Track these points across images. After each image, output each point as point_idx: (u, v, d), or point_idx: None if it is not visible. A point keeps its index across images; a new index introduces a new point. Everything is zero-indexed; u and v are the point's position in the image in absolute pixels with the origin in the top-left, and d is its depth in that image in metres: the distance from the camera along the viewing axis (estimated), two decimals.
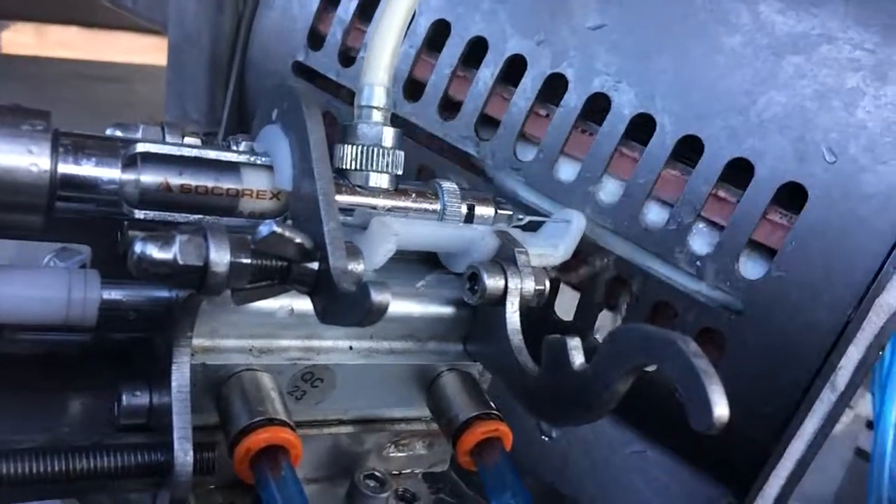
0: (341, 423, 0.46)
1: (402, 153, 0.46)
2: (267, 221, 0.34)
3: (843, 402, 0.45)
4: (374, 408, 0.46)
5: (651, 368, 0.37)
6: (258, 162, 0.41)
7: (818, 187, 0.45)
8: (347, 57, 0.62)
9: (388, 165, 0.45)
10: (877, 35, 0.46)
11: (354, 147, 0.44)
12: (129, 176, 0.38)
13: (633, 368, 0.36)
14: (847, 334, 0.44)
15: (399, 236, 0.44)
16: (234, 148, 0.45)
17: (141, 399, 0.41)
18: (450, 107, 0.58)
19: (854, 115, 0.45)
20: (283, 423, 0.37)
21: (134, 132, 0.42)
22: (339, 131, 0.46)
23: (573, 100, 0.53)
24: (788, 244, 0.46)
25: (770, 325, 0.47)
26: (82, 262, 0.52)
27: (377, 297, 0.31)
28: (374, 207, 0.45)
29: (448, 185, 0.47)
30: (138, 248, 0.33)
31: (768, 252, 0.47)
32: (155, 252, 0.33)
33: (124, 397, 0.40)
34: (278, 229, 0.34)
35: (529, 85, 0.54)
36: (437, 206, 0.47)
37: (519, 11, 0.55)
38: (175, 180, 0.38)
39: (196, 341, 0.39)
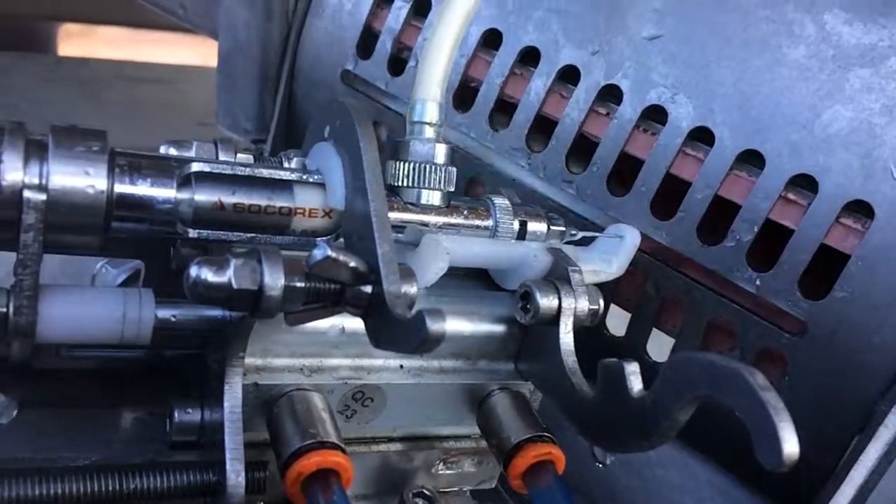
0: (390, 440, 0.46)
1: (455, 170, 0.45)
2: (321, 244, 0.33)
3: None
4: (423, 426, 0.46)
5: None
6: (310, 180, 0.41)
7: (886, 206, 0.43)
8: (397, 66, 0.62)
9: (439, 182, 0.44)
10: None
11: (406, 164, 0.44)
12: (184, 195, 0.37)
13: (695, 398, 0.35)
14: None
15: (451, 254, 0.43)
16: (286, 164, 0.44)
17: (193, 416, 0.41)
18: (500, 117, 0.57)
19: None
20: (334, 446, 0.37)
21: (187, 149, 0.42)
22: (391, 147, 0.45)
23: (628, 112, 0.51)
24: (854, 264, 0.44)
25: (833, 347, 0.45)
26: (135, 269, 0.52)
27: (433, 326, 0.31)
28: (426, 224, 0.44)
29: (500, 202, 0.46)
30: (193, 271, 0.33)
31: (832, 272, 0.46)
32: (210, 276, 0.33)
33: (176, 414, 0.40)
34: (332, 254, 0.33)
35: (582, 96, 0.53)
36: (490, 223, 0.46)
37: (572, 21, 0.54)
38: (228, 199, 0.38)
39: (248, 360, 0.39)
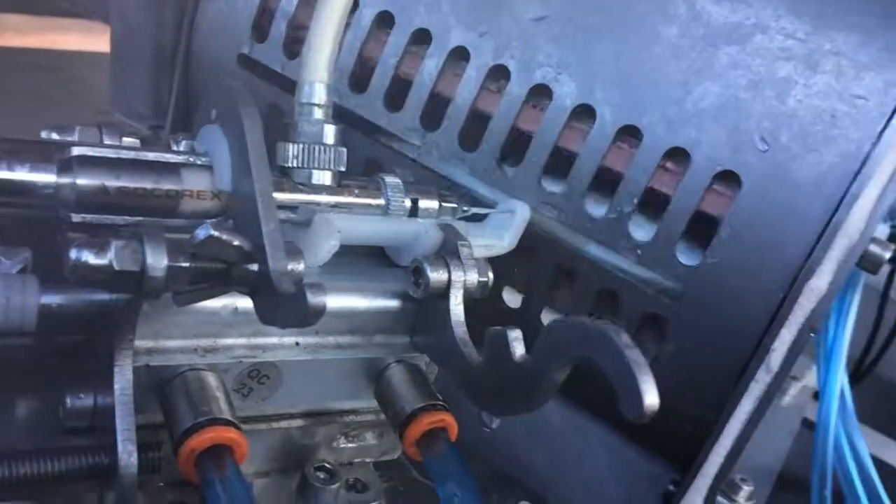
0: (291, 416, 0.47)
1: (345, 150, 0.46)
2: (204, 224, 0.34)
3: (778, 382, 0.46)
4: (322, 401, 0.47)
5: None
6: (198, 162, 0.41)
7: (752, 175, 0.46)
8: (292, 49, 0.62)
9: (330, 162, 0.45)
10: (808, 24, 0.47)
11: (296, 145, 0.45)
12: (65, 180, 0.37)
13: (570, 359, 0.37)
14: (780, 317, 0.45)
15: (342, 233, 0.44)
16: (175, 148, 0.45)
17: (85, 401, 0.40)
18: (395, 98, 0.58)
19: (786, 104, 0.46)
20: (227, 423, 0.38)
21: (70, 134, 0.42)
22: (281, 129, 0.46)
23: (515, 91, 0.53)
24: (724, 230, 0.47)
25: (708, 310, 0.48)
26: (26, 261, 0.51)
27: (314, 299, 0.32)
28: (318, 204, 0.45)
29: (391, 180, 0.48)
30: (74, 254, 0.33)
31: (706, 239, 0.48)
32: (91, 258, 0.33)
33: (68, 400, 0.40)
34: (215, 233, 0.34)
35: (473, 76, 0.55)
36: (381, 201, 0.47)
37: (462, 3, 0.55)
38: (112, 183, 0.38)
39: (139, 343, 0.39)
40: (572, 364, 0.37)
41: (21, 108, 1.23)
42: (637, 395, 0.32)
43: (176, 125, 0.68)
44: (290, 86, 0.63)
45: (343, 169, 0.46)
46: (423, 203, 0.49)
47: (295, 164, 0.45)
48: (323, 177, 0.46)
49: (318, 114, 0.46)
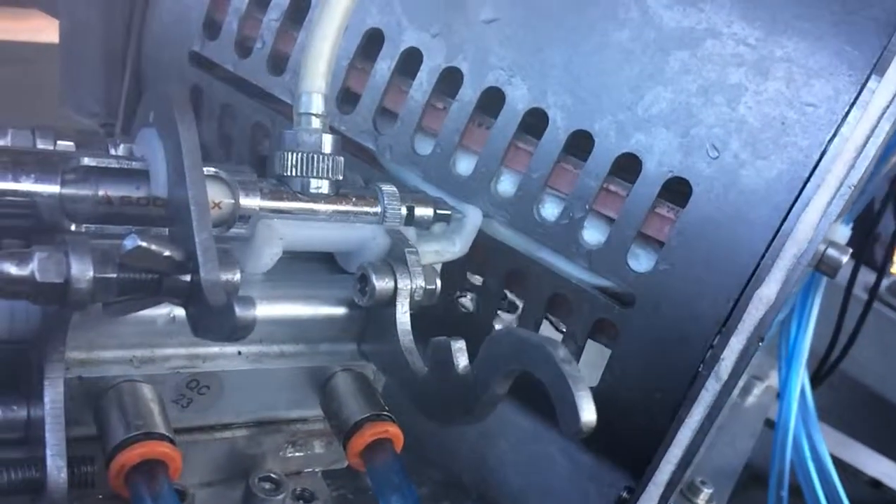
0: (235, 426, 0.46)
1: (342, 159, 0.46)
2: (131, 234, 0.33)
3: (727, 390, 0.46)
4: (267, 410, 0.46)
5: None
6: (134, 166, 0.40)
7: (702, 182, 0.46)
8: (244, 47, 0.61)
9: (327, 171, 0.45)
10: (759, 30, 0.47)
11: (294, 154, 0.45)
12: (70, 191, 0.37)
13: (510, 372, 0.36)
14: (729, 325, 0.45)
15: (285, 239, 0.43)
16: (113, 151, 0.43)
17: (18, 413, 0.39)
18: (348, 100, 0.57)
19: (736, 110, 0.46)
20: (161, 437, 0.37)
21: (2, 137, 0.40)
22: (278, 138, 0.46)
23: (468, 94, 0.52)
24: (674, 238, 0.47)
25: (658, 317, 0.48)
26: None
27: (242, 312, 0.31)
28: (316, 212, 0.45)
29: (388, 189, 0.48)
30: None
31: (657, 245, 0.48)
32: (12, 269, 0.32)
33: (0, 411, 0.39)
34: (143, 243, 0.33)
35: (425, 78, 0.54)
36: (378, 209, 0.47)
37: (414, 3, 0.54)
38: (115, 193, 0.38)
39: (72, 354, 0.38)
40: (513, 377, 0.36)
41: None
42: (574, 411, 0.32)
43: (127, 123, 0.67)
44: (242, 84, 0.62)
45: (340, 177, 0.46)
46: (419, 211, 0.49)
47: (293, 173, 0.45)
48: (321, 185, 0.45)
49: (316, 123, 0.46)
